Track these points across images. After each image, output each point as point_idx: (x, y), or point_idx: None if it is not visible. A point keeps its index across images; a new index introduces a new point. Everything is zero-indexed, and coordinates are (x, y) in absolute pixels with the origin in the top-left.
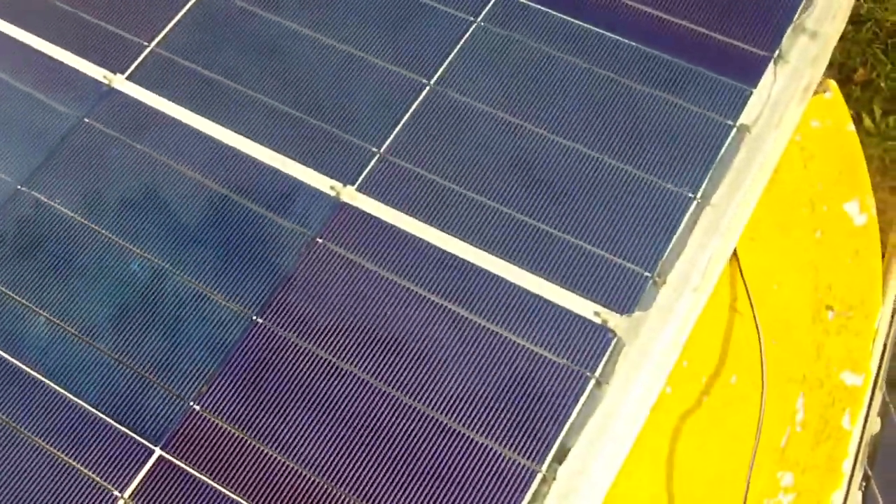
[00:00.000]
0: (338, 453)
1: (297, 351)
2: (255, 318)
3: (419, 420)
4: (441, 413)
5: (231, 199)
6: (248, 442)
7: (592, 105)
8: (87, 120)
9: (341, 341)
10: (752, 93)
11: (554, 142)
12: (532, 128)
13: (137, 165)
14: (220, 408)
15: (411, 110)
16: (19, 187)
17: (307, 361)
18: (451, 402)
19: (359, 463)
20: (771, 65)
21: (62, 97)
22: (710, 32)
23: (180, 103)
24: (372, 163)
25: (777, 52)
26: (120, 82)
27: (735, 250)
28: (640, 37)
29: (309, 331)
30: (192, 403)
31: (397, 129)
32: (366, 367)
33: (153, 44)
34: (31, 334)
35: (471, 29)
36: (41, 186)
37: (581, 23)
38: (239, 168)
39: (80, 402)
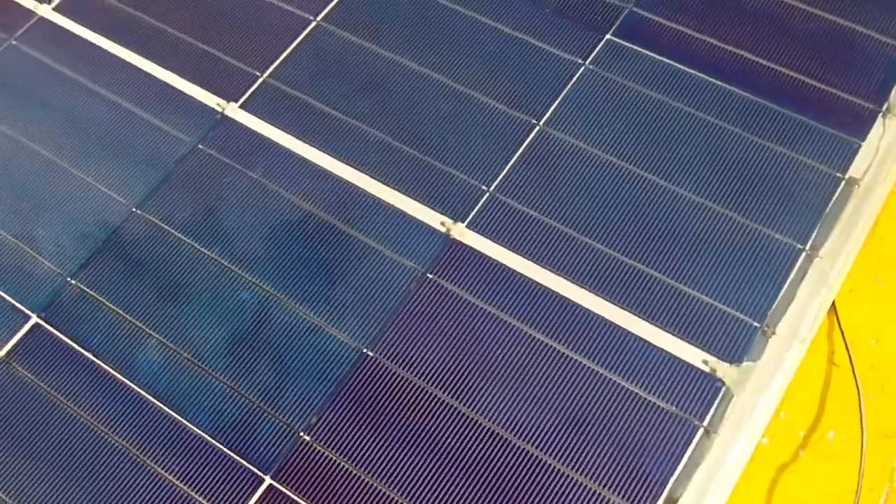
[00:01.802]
0: (443, 488)
1: (406, 385)
2: (365, 350)
3: (525, 459)
4: (548, 454)
5: (341, 231)
6: (357, 474)
7: (701, 152)
8: (201, 146)
9: (449, 377)
10: (860, 146)
11: (662, 187)
12: (641, 172)
13: (249, 193)
14: (330, 439)
15: (521, 150)
16: (134, 210)
17: (415, 396)
18: (557, 441)
19: (463, 499)
20: (879, 118)
21: (178, 122)
22: (814, 82)
23: (291, 133)
24: (482, 200)
25: (885, 105)
26: (233, 110)
27: (833, 302)
28: (745, 84)
29: (418, 366)
30: (302, 434)
31: (507, 168)
32: (473, 403)
33: (266, 74)
34: (144, 357)
35: (579, 72)
36: (156, 209)
37: (686, 68)
38: (349, 199)
39: (192, 426)
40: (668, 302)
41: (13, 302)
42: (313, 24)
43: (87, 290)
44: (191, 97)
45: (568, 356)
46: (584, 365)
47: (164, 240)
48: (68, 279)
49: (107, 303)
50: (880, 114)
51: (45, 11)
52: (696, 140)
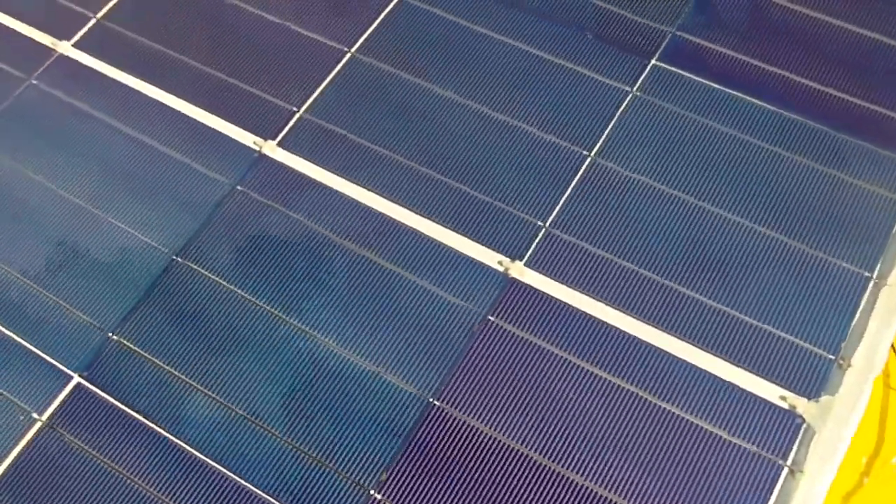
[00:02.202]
0: None
1: (477, 436)
2: (431, 400)
3: None
4: (627, 500)
5: (394, 272)
6: None
7: (756, 178)
8: (239, 188)
9: (520, 426)
10: None
11: (722, 217)
12: (698, 203)
13: (294, 235)
14: (403, 498)
15: (573, 183)
16: (175, 258)
17: (488, 448)
18: (640, 489)
19: None
20: None
21: (214, 164)
22: (865, 104)
23: (333, 170)
24: (539, 237)
25: None
26: (271, 149)
27: None
28: (794, 106)
29: (487, 415)
30: (373, 492)
31: (561, 202)
32: (548, 452)
33: (302, 109)
34: (194, 414)
35: (627, 99)
36: (197, 256)
37: (734, 91)
38: (400, 239)
39: (252, 487)
40: (739, 337)
41: (52, 361)
42: (348, 55)
43: (130, 344)
44: (226, 136)
45: (642, 398)
46: (660, 407)
47: (208, 288)
48: (109, 334)
49: (152, 358)
50: None
51: (65, 49)
52: (750, 166)
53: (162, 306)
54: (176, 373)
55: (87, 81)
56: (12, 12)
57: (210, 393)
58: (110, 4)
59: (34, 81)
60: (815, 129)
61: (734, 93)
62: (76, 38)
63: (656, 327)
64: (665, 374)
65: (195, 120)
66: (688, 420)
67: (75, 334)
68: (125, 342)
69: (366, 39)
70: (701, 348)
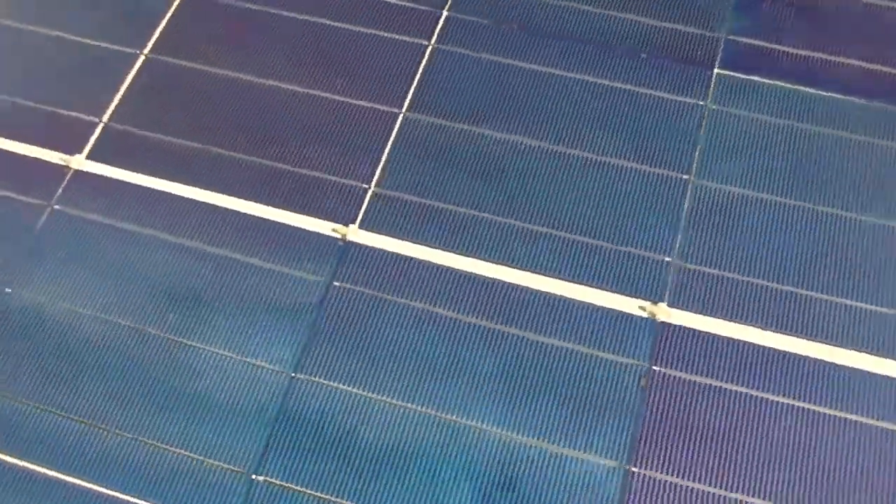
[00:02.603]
0: None
1: (686, 494)
2: (628, 468)
3: None
4: None
5: (539, 343)
6: None
7: (859, 172)
8: (336, 283)
9: (726, 473)
10: None
11: (842, 217)
12: (814, 207)
13: (414, 324)
14: None
15: (685, 210)
16: (293, 375)
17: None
18: None
19: None
20: None
21: (297, 263)
22: None
23: (429, 244)
24: (671, 274)
25: None
26: (354, 234)
27: None
28: (872, 94)
29: (687, 471)
30: None
31: (680, 234)
32: (762, 492)
33: (373, 185)
34: None
35: (705, 114)
36: (316, 368)
37: (807, 88)
38: (530, 306)
39: None
40: None
41: None
42: (400, 117)
43: (278, 481)
44: (298, 229)
45: (843, 419)
46: (866, 424)
47: (339, 401)
48: (253, 477)
49: (305, 490)
50: None
51: (79, 163)
52: (849, 161)
53: (296, 432)
54: (335, 499)
55: (116, 195)
56: (10, 134)
57: None
58: (114, 104)
59: (56, 207)
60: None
61: (807, 89)
62: (87, 148)
63: (824, 342)
64: (857, 392)
65: (256, 217)
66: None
67: (215, 486)
68: (272, 480)
69: (413, 97)
70: (872, 354)
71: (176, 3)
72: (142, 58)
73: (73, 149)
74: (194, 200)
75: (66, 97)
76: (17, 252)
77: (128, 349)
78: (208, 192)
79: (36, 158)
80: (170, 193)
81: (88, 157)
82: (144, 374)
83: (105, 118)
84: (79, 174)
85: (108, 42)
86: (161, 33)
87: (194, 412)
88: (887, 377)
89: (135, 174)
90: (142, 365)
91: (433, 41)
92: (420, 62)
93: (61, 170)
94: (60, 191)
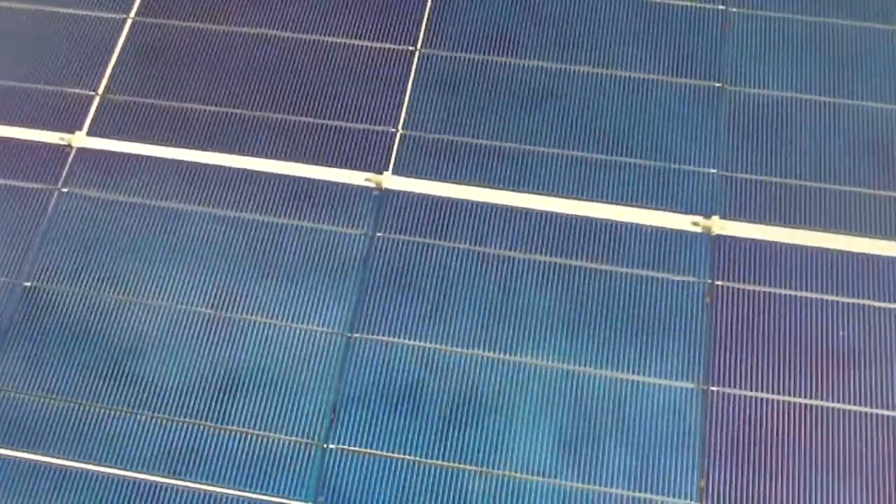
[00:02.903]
0: None
1: (773, 407)
2: (706, 387)
3: None
4: None
5: (604, 271)
6: None
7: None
8: (379, 234)
9: (800, 380)
10: None
11: (888, 110)
12: (855, 102)
13: (461, 267)
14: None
15: (723, 119)
16: (350, 335)
17: (785, 415)
18: None
19: None
20: None
21: (336, 218)
22: None
23: (465, 182)
24: (720, 186)
25: None
26: (389, 181)
27: None
28: None
29: (761, 383)
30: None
31: (723, 144)
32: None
33: (400, 128)
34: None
35: (728, 19)
36: (372, 325)
37: None
38: (581, 234)
39: None
40: None
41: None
42: (416, 54)
43: (350, 447)
44: (330, 182)
45: None
46: None
47: (400, 356)
48: (325, 446)
49: (379, 452)
50: None
51: (81, 140)
52: (881, 52)
53: (360, 395)
54: (415, 458)
55: (126, 169)
56: (3, 118)
57: (467, 466)
58: (108, 74)
59: (64, 189)
60: None
61: None
62: (87, 124)
63: (877, 238)
64: None
65: (284, 176)
66: None
67: (290, 462)
68: (344, 447)
69: (426, 31)
70: None
71: None
72: (129, 21)
73: (72, 126)
74: (212, 165)
75: (55, 73)
76: (30, 243)
77: (172, 331)
78: (226, 156)
79: (34, 141)
80: (184, 161)
81: (89, 132)
82: (195, 356)
83: (100, 90)
84: (82, 152)
85: (90, 9)
86: None
87: (255, 389)
88: None
89: (143, 145)
90: (189, 346)
91: None
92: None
93: (63, 150)
94: (65, 172)
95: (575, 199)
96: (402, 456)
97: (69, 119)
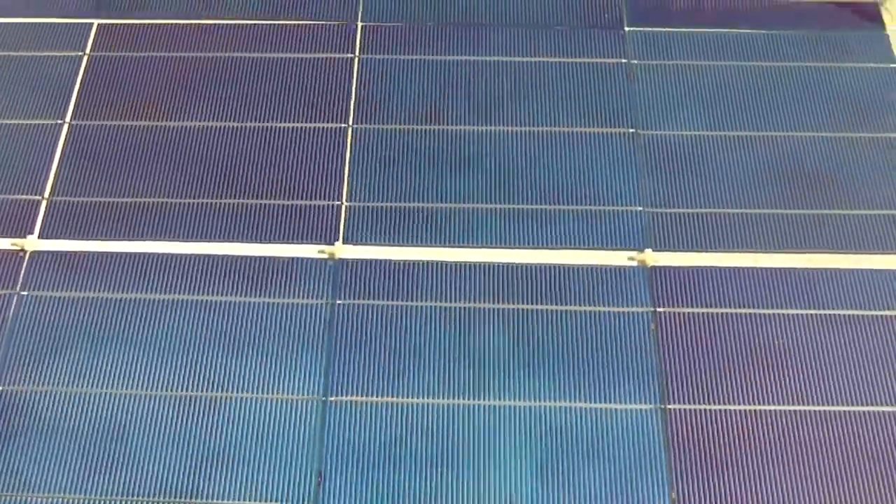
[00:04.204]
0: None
1: (723, 417)
2: (665, 406)
3: None
4: None
5: (549, 311)
6: None
7: (795, 96)
8: (340, 302)
9: (745, 390)
10: None
11: (788, 137)
12: (757, 133)
13: (420, 322)
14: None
15: (641, 161)
16: (325, 398)
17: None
18: None
19: None
20: None
21: (295, 291)
22: None
23: (413, 244)
24: (641, 221)
25: None
26: (341, 250)
27: None
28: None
29: (712, 395)
30: None
31: (643, 182)
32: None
33: (344, 200)
34: None
35: (633, 69)
36: (346, 387)
37: (722, 30)
38: (528, 280)
39: None
40: None
41: None
42: (349, 130)
43: None
44: (285, 258)
45: (835, 315)
46: (857, 316)
47: (377, 414)
48: None
49: None
50: None
51: (33, 244)
52: (772, 86)
53: (342, 456)
54: None
55: (81, 267)
56: None
57: None
58: (51, 177)
59: (23, 293)
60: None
61: (709, 30)
62: (38, 227)
63: (803, 252)
64: None
65: (240, 257)
66: None
67: None
68: None
69: (356, 109)
70: None
71: (83, 66)
72: (66, 126)
73: (23, 231)
74: (168, 254)
75: (1, 182)
76: None
77: (148, 417)
78: (180, 244)
79: None
80: (139, 253)
81: (41, 235)
82: (174, 438)
83: (46, 194)
84: (36, 255)
85: (27, 119)
86: (77, 98)
87: (239, 461)
88: (867, 270)
89: (96, 242)
90: (167, 429)
91: (357, 52)
92: (352, 74)
93: (17, 255)
94: (22, 276)
95: (517, 248)
96: None
97: (20, 224)
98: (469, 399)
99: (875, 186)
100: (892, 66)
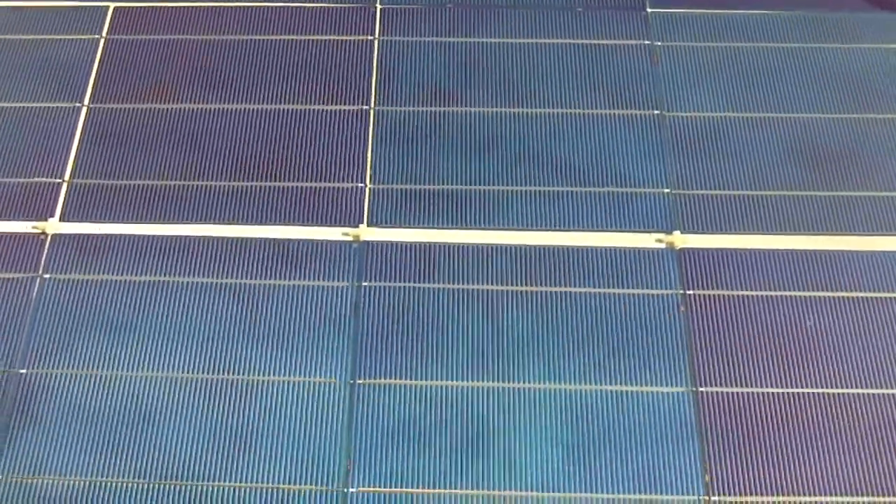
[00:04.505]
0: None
1: (753, 399)
2: (696, 389)
3: None
4: None
5: (577, 294)
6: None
7: (812, 77)
8: (366, 284)
9: (775, 372)
10: None
11: (807, 119)
12: (779, 115)
13: (447, 305)
14: (735, 488)
15: (667, 142)
16: (351, 381)
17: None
18: None
19: None
20: None
21: (321, 273)
22: None
23: (437, 226)
24: (668, 203)
25: None
26: (366, 232)
27: None
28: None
29: (742, 378)
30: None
31: (669, 164)
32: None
33: (367, 182)
34: None
35: (655, 51)
36: (372, 371)
37: (742, 11)
38: (555, 262)
39: None
40: None
41: None
42: (371, 112)
43: (376, 488)
44: (311, 241)
45: (858, 298)
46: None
47: (404, 397)
48: (346, 490)
49: (399, 489)
50: None
51: (55, 227)
52: (791, 67)
53: (371, 439)
54: (426, 490)
55: (103, 249)
56: None
57: (481, 491)
58: (71, 160)
59: (45, 276)
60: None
61: (729, 11)
62: (58, 210)
63: (826, 234)
64: None
65: (265, 239)
66: None
67: None
68: (364, 489)
69: (377, 91)
70: None
71: (100, 49)
72: (84, 109)
73: (44, 214)
74: (190, 237)
75: (22, 165)
76: (19, 331)
77: (174, 400)
78: (202, 226)
79: (9, 233)
80: (161, 235)
81: (62, 218)
82: (201, 421)
83: (66, 176)
84: (57, 238)
85: (45, 101)
86: (95, 81)
87: (269, 445)
88: (892, 252)
89: (117, 225)
90: (194, 411)
91: (377, 34)
92: (372, 56)
93: (38, 238)
94: (44, 259)
95: (544, 230)
96: (419, 490)
97: (41, 208)
98: (497, 381)
99: None
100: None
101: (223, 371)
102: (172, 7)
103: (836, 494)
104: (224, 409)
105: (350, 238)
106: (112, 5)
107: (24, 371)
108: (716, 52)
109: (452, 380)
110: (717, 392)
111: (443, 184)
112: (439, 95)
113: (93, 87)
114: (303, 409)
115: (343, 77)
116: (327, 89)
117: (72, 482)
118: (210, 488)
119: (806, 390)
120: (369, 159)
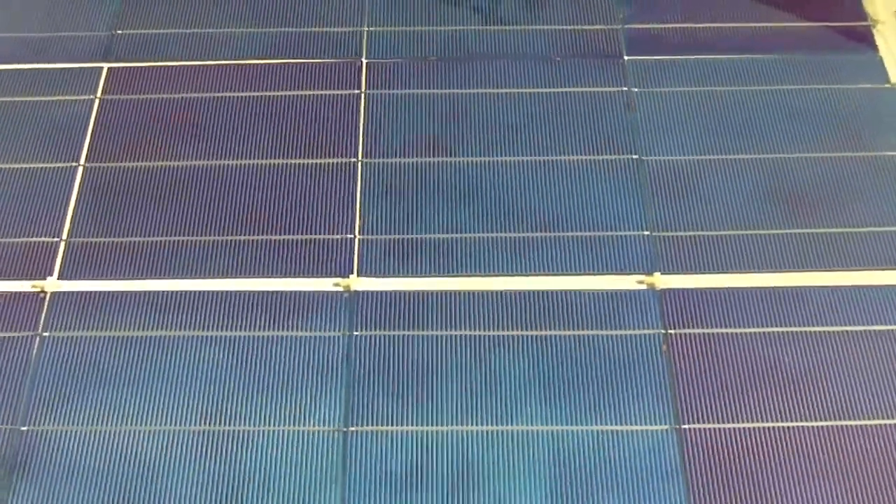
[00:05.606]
0: None
1: (737, 435)
2: (679, 426)
3: None
4: None
5: (561, 337)
6: None
7: (778, 115)
8: (357, 333)
9: (758, 408)
10: None
11: (784, 159)
12: (754, 156)
13: (437, 351)
14: None
15: (645, 186)
16: (346, 429)
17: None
18: None
19: None
20: None
21: (314, 324)
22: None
23: (427, 275)
24: (648, 245)
25: None
26: (356, 282)
27: None
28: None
29: (725, 414)
30: None
31: (648, 207)
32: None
33: (357, 233)
34: None
35: (633, 98)
36: (369, 419)
37: (717, 56)
38: (540, 306)
39: None
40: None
41: None
42: (359, 165)
43: None
44: (301, 292)
45: (842, 332)
46: (861, 332)
47: (397, 443)
48: None
49: None
50: None
51: (53, 285)
52: (767, 109)
53: (365, 485)
54: None
55: (101, 306)
56: None
57: None
58: (69, 219)
59: (45, 334)
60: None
61: (705, 56)
62: (56, 269)
63: (805, 271)
64: None
65: (257, 292)
66: None
67: None
68: None
69: (364, 143)
70: None
71: (95, 109)
72: (81, 168)
73: (43, 273)
74: (186, 291)
75: (20, 225)
76: (20, 388)
77: (173, 453)
78: (198, 281)
79: (9, 292)
80: (158, 291)
81: (60, 276)
82: (200, 472)
83: (64, 235)
84: (56, 296)
85: (43, 162)
86: (91, 141)
87: (264, 494)
88: (871, 287)
89: (114, 282)
90: (193, 463)
91: (363, 88)
92: (359, 110)
93: (37, 297)
94: (43, 317)
95: (530, 275)
96: None
97: (39, 267)
98: (487, 425)
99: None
100: (885, 86)
101: (219, 422)
102: (164, 66)
103: None
104: (220, 460)
105: (341, 288)
106: (106, 66)
107: (24, 428)
108: (692, 97)
109: (443, 425)
110: (699, 428)
111: (430, 233)
112: (425, 146)
113: (88, 147)
114: (298, 457)
115: (331, 131)
116: (316, 143)
117: None
118: None
119: (790, 424)
120: (358, 211)
